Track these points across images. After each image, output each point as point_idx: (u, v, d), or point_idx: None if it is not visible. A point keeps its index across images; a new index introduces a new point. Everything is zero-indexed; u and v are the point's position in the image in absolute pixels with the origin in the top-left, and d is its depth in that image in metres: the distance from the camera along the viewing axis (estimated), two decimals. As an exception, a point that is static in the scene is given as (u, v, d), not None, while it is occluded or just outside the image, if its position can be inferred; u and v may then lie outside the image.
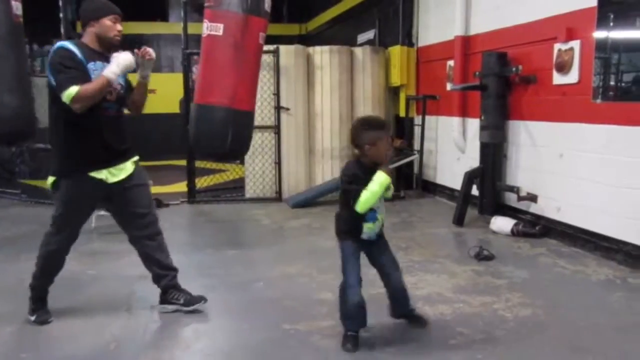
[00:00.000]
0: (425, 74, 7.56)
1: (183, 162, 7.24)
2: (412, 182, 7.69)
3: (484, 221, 5.53)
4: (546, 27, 5.02)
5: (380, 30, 8.75)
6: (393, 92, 7.86)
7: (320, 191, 6.95)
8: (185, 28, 6.93)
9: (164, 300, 3.42)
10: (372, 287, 3.22)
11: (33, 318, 3.22)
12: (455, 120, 6.56)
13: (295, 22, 13.67)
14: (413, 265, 4.29)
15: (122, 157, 3.19)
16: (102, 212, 5.82)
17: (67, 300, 3.63)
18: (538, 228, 5.05)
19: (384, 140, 2.73)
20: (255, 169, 7.10)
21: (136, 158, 3.30)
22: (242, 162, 7.18)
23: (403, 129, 7.74)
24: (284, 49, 7.05)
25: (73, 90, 2.88)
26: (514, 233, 5.08)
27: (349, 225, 2.87)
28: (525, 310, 3.37)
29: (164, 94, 12.01)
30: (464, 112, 6.50)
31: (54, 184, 3.11)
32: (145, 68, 3.26)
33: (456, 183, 6.05)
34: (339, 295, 2.93)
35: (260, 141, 7.03)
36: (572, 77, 4.71)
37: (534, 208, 5.26)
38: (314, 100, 7.28)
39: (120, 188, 3.17)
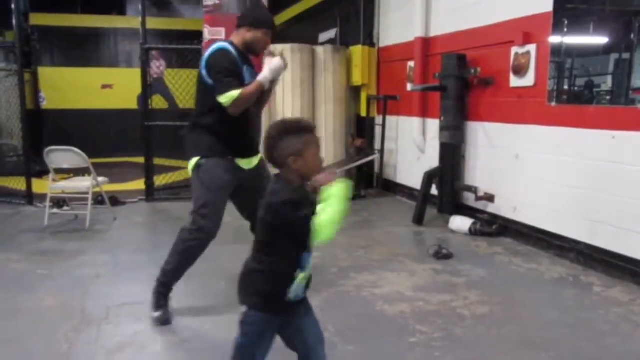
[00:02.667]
0: (386, 74, 7.62)
1: (141, 160, 7.08)
2: (372, 182, 7.75)
3: (443, 220, 5.61)
4: (504, 30, 5.12)
5: (341, 30, 8.78)
6: (354, 92, 7.89)
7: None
8: (143, 22, 6.77)
9: None
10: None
11: (157, 315, 3.16)
12: (416, 121, 6.64)
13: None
14: (373, 264, 4.31)
15: (255, 150, 3.40)
16: (55, 210, 5.70)
17: (16, 301, 3.51)
18: (495, 227, 5.16)
19: (313, 144, 1.97)
20: (215, 166, 7.00)
21: (260, 154, 3.44)
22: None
23: (364, 128, 7.79)
24: (245, 46, 6.96)
25: (235, 93, 3.04)
26: (472, 232, 5.18)
27: (273, 284, 1.97)
28: (483, 308, 3.43)
29: (122, 90, 11.79)
30: (424, 113, 6.58)
31: (196, 166, 3.19)
32: (275, 78, 3.32)
33: (416, 182, 6.12)
34: None
35: (220, 139, 6.95)
36: (529, 80, 4.82)
37: (491, 208, 5.37)
38: (275, 98, 7.23)
39: (251, 175, 3.33)
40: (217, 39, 4.36)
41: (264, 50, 3.29)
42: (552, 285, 3.93)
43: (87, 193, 5.48)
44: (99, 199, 5.97)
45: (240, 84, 3.11)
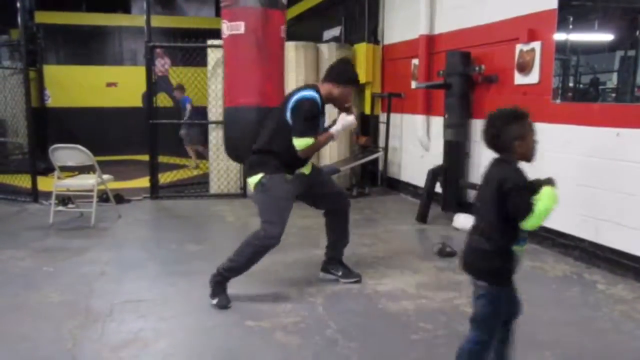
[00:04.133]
0: (390, 72, 7.62)
1: (145, 157, 7.11)
2: (376, 179, 7.75)
3: (447, 218, 5.61)
4: (508, 27, 5.11)
5: (346, 28, 8.79)
6: (359, 89, 7.87)
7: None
8: (148, 20, 6.79)
9: (324, 269, 3.91)
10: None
11: (215, 301, 3.41)
12: (420, 118, 6.63)
13: (261, 17, 13.55)
14: (377, 261, 4.32)
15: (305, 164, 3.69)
16: (60, 208, 5.73)
17: (21, 298, 3.53)
18: (499, 225, 5.14)
19: (531, 129, 2.20)
20: (220, 164, 7.03)
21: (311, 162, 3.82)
22: None
23: (368, 126, 7.80)
24: (249, 43, 6.97)
25: (310, 141, 3.40)
26: (476, 230, 5.17)
27: (502, 260, 2.19)
28: (486, 306, 3.43)
29: (126, 88, 11.83)
30: (428, 110, 6.58)
31: (261, 181, 3.46)
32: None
33: (420, 180, 6.11)
34: (466, 352, 2.31)
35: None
36: (533, 77, 4.81)
37: (495, 205, 5.35)
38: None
39: (312, 174, 3.72)
40: (235, 34, 4.34)
41: (347, 105, 3.60)
42: (556, 283, 3.92)
43: (92, 191, 5.50)
44: (103, 197, 6.00)
45: (316, 132, 3.47)
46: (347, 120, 3.53)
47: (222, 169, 7.03)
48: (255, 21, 4.38)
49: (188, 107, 9.25)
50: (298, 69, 7.17)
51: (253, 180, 3.51)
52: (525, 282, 3.90)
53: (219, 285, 3.46)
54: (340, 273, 3.85)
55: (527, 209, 2.03)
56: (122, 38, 12.61)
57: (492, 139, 2.20)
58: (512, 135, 2.15)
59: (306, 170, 3.66)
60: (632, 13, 4.32)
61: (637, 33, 4.27)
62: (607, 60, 4.69)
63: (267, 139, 3.53)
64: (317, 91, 3.49)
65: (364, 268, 4.11)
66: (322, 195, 3.78)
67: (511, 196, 2.08)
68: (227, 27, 4.37)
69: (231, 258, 3.45)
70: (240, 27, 4.35)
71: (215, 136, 7.03)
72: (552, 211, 2.05)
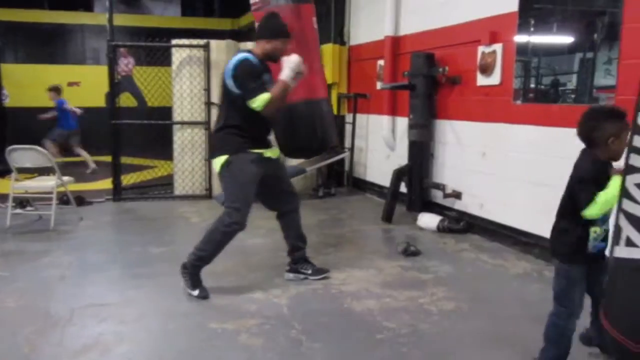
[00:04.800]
0: (356, 73, 7.66)
1: (108, 158, 6.97)
2: (343, 180, 7.78)
3: (412, 218, 5.66)
4: (471, 30, 5.19)
5: (312, 28, 8.78)
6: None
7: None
8: (110, 19, 6.67)
9: (294, 270, 3.89)
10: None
11: (196, 293, 3.51)
12: (385, 119, 6.68)
13: (227, 17, 13.48)
14: (342, 261, 4.33)
15: (271, 144, 3.74)
16: (18, 211, 5.57)
17: (-24, 304, 3.42)
18: (462, 224, 5.23)
19: (627, 130, 2.22)
20: (185, 165, 6.95)
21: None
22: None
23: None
24: (214, 43, 6.92)
25: (265, 97, 3.33)
26: (440, 229, 5.24)
27: (577, 241, 2.40)
28: (449, 304, 3.48)
29: (89, 87, 11.57)
30: (393, 111, 6.63)
31: (224, 163, 3.46)
32: (293, 81, 3.55)
33: (385, 180, 6.16)
34: (550, 324, 2.56)
35: (190, 137, 6.91)
36: (495, 78, 4.90)
37: (458, 205, 5.44)
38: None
39: (276, 163, 3.70)
40: None
41: (281, 57, 3.53)
42: (517, 280, 4.00)
43: (51, 193, 5.37)
44: (64, 199, 5.85)
45: (266, 89, 3.40)
46: (290, 61, 3.45)
47: (186, 169, 6.95)
48: (290, 17, 4.44)
49: (69, 109, 9.09)
50: (264, 69, 7.14)
51: (217, 162, 3.51)
52: (487, 280, 4.01)
53: (194, 277, 3.54)
54: (310, 271, 3.88)
55: (586, 200, 2.26)
56: (84, 37, 12.34)
57: (589, 132, 2.35)
58: (609, 132, 2.29)
59: (272, 153, 3.65)
60: (590, 16, 4.45)
61: (595, 36, 4.39)
62: (567, 62, 4.81)
63: (224, 115, 3.55)
64: (251, 52, 3.51)
65: (329, 268, 4.11)
66: (277, 191, 3.76)
67: (576, 187, 2.36)
68: None
69: (199, 247, 3.53)
70: None
71: (180, 137, 6.94)
72: (614, 201, 2.12)
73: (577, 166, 2.41)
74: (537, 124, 4.46)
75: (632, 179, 1.53)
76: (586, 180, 2.31)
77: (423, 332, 3.08)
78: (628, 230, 1.53)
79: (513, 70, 4.74)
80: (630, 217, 1.53)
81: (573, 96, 4.74)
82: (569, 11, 4.66)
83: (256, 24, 3.66)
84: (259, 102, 3.34)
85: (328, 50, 7.62)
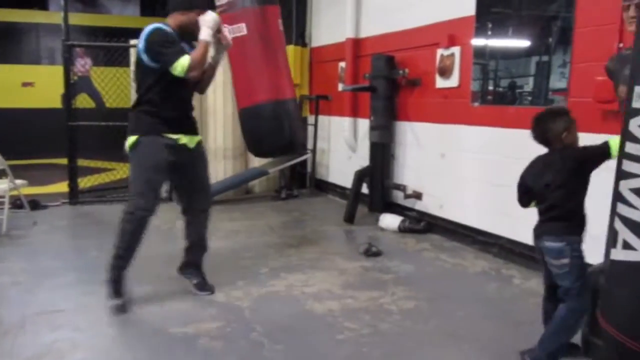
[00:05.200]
0: (318, 74, 7.68)
1: (64, 161, 6.79)
2: (305, 181, 7.78)
3: (374, 218, 5.70)
4: (430, 33, 5.27)
5: (274, 30, 8.75)
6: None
7: (213, 191, 6.79)
8: (65, 18, 6.49)
9: (181, 270, 3.69)
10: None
11: (112, 303, 3.26)
12: (347, 120, 6.71)
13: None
14: (304, 262, 4.33)
15: (194, 130, 3.51)
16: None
17: None
18: (422, 224, 5.30)
19: (574, 123, 2.58)
20: (144, 167, 6.81)
21: (200, 137, 3.57)
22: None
23: (296, 128, 7.81)
24: (174, 44, 6.82)
25: (185, 59, 3.09)
26: (401, 229, 5.30)
27: (582, 216, 2.58)
28: (410, 303, 3.52)
29: (44, 88, 11.26)
30: (355, 113, 6.67)
31: (133, 144, 3.26)
32: (218, 51, 3.41)
33: (347, 182, 6.19)
34: (573, 308, 2.58)
35: (149, 139, 6.77)
36: (453, 81, 4.98)
37: (419, 205, 5.51)
38: (206, 97, 7.12)
39: (193, 156, 3.44)
40: (240, 35, 4.32)
41: (198, 31, 3.26)
42: (475, 279, 4.08)
43: (2, 197, 5.19)
44: (17, 203, 5.67)
45: (185, 53, 3.16)
46: (206, 19, 3.21)
47: (146, 172, 6.82)
48: (256, 20, 4.42)
49: None
50: (225, 70, 7.07)
51: (128, 142, 3.31)
52: (446, 279, 4.07)
53: (114, 283, 3.30)
54: (195, 282, 3.63)
55: (599, 149, 2.46)
56: (39, 36, 11.98)
57: (543, 134, 2.58)
58: (560, 128, 2.53)
59: (189, 141, 3.41)
60: (545, 21, 4.57)
61: (550, 40, 4.51)
62: (524, 65, 4.93)
63: (142, 91, 3.30)
64: (166, 24, 3.31)
65: (291, 270, 4.11)
66: (190, 185, 3.52)
67: (582, 158, 2.52)
68: (230, 31, 4.32)
69: (114, 244, 3.31)
70: (242, 29, 4.40)
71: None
72: None
73: (562, 158, 2.54)
74: (494, 125, 4.55)
75: (625, 184, 1.62)
76: (581, 150, 2.55)
77: (384, 332, 3.10)
78: (624, 233, 1.62)
79: (471, 72, 4.83)
80: (626, 221, 1.62)
81: (530, 98, 4.86)
82: (524, 15, 4.79)
83: (222, 27, 3.58)
84: (179, 67, 3.09)
85: (289, 51, 7.58)
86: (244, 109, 4.64)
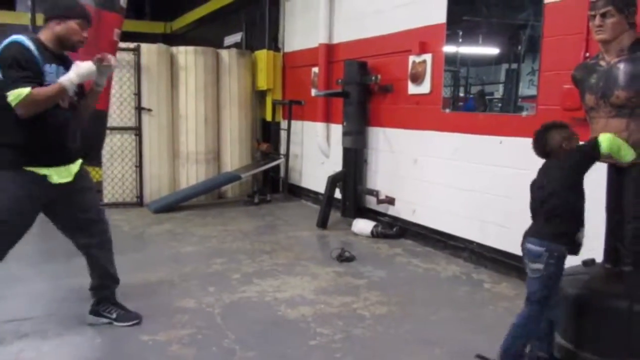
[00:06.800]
0: (291, 79, 7.69)
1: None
2: (278, 186, 7.77)
3: (347, 224, 5.73)
4: (402, 39, 5.33)
5: (247, 34, 8.75)
6: (260, 96, 7.88)
7: (185, 195, 6.77)
8: (33, 18, 6.39)
9: (94, 311, 3.22)
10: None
11: None
12: (320, 126, 6.74)
13: (160, 21, 13.19)
14: (277, 268, 4.32)
15: (71, 158, 2.97)
16: None
17: None
18: (395, 229, 5.35)
19: (576, 135, 2.57)
20: (115, 172, 6.73)
21: (80, 160, 3.04)
22: (100, 165, 6.73)
23: (269, 133, 7.82)
24: (145, 47, 6.77)
25: (24, 91, 2.61)
26: (374, 234, 5.33)
27: (575, 222, 2.53)
28: (382, 308, 3.54)
29: (10, 90, 10.97)
30: (328, 118, 6.70)
31: None
32: (101, 75, 2.95)
33: (321, 187, 6.20)
34: (527, 315, 2.55)
35: (119, 143, 6.70)
36: (425, 87, 5.05)
37: (392, 210, 5.56)
38: (178, 101, 7.08)
39: (69, 189, 2.93)
40: None
41: (81, 44, 2.93)
42: (447, 283, 4.13)
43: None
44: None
45: (37, 82, 2.69)
46: (81, 67, 2.76)
47: (116, 176, 6.74)
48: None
49: None
50: (197, 75, 7.05)
51: None
52: (418, 283, 4.11)
53: None
54: (114, 315, 3.19)
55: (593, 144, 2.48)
56: (6, 36, 11.65)
57: (544, 148, 2.57)
58: (560, 138, 2.53)
59: (57, 175, 2.86)
60: (514, 29, 4.67)
61: (519, 48, 4.61)
62: (495, 72, 5.03)
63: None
64: (34, 39, 2.81)
65: (264, 276, 4.10)
66: (75, 222, 3.05)
67: (572, 163, 2.51)
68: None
69: None
70: None
71: (109, 142, 6.70)
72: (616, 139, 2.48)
73: (560, 167, 2.53)
74: (465, 132, 4.63)
75: None
76: (572, 154, 2.52)
77: (356, 338, 3.12)
78: None
79: (442, 79, 4.91)
80: None
81: (500, 105, 4.96)
82: (495, 24, 4.88)
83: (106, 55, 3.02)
84: (13, 96, 2.60)
85: (262, 55, 7.61)
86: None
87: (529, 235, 2.57)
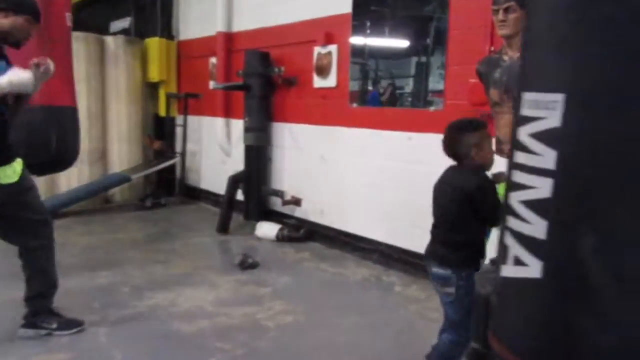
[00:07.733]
0: (186, 70, 7.51)
1: None
2: (173, 188, 7.56)
3: (250, 227, 5.68)
4: (306, 29, 5.36)
5: (136, 19, 8.43)
6: (151, 89, 7.63)
7: (65, 200, 6.41)
8: None
9: (31, 324, 3.14)
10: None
11: None
12: (219, 121, 6.64)
13: (35, 2, 12.44)
14: (171, 279, 4.20)
15: (10, 157, 2.94)
16: None
17: None
18: (302, 232, 5.37)
19: (488, 138, 2.44)
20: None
21: (21, 159, 3.00)
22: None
23: (163, 129, 7.58)
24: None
25: None
26: (279, 238, 5.32)
27: (478, 249, 2.46)
28: (287, 318, 3.53)
29: None
30: (228, 113, 6.61)
31: None
32: (37, 79, 2.84)
33: (221, 188, 6.10)
34: (457, 342, 2.50)
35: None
36: (331, 81, 5.11)
37: (299, 212, 5.57)
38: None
39: (14, 191, 2.92)
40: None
41: (24, 41, 2.92)
42: (356, 287, 4.20)
43: None
44: None
45: None
46: (17, 76, 2.74)
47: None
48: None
49: None
50: (78, 63, 6.68)
51: None
52: (326, 289, 4.15)
53: None
54: (54, 325, 3.17)
55: (493, 203, 2.34)
56: None
57: (453, 148, 2.45)
58: (470, 143, 2.40)
59: (5, 176, 2.89)
60: (422, 21, 4.82)
61: (428, 41, 4.77)
62: (405, 66, 5.16)
63: None
64: None
65: (157, 288, 3.97)
66: (15, 223, 3.03)
67: (477, 195, 2.37)
68: None
69: None
70: None
71: None
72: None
73: (462, 179, 2.41)
74: (373, 127, 4.73)
75: (515, 196, 1.59)
76: (485, 186, 2.38)
77: (260, 351, 3.09)
78: (515, 249, 1.59)
79: (349, 72, 4.98)
80: (518, 236, 1.59)
81: (410, 99, 5.10)
82: (403, 15, 5.02)
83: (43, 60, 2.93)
84: None
85: (154, 44, 7.38)
86: None
87: (430, 256, 2.52)
